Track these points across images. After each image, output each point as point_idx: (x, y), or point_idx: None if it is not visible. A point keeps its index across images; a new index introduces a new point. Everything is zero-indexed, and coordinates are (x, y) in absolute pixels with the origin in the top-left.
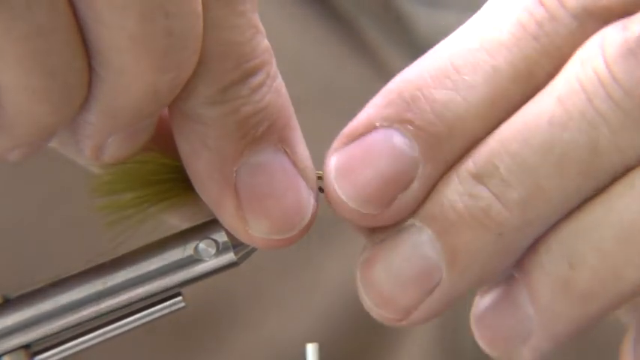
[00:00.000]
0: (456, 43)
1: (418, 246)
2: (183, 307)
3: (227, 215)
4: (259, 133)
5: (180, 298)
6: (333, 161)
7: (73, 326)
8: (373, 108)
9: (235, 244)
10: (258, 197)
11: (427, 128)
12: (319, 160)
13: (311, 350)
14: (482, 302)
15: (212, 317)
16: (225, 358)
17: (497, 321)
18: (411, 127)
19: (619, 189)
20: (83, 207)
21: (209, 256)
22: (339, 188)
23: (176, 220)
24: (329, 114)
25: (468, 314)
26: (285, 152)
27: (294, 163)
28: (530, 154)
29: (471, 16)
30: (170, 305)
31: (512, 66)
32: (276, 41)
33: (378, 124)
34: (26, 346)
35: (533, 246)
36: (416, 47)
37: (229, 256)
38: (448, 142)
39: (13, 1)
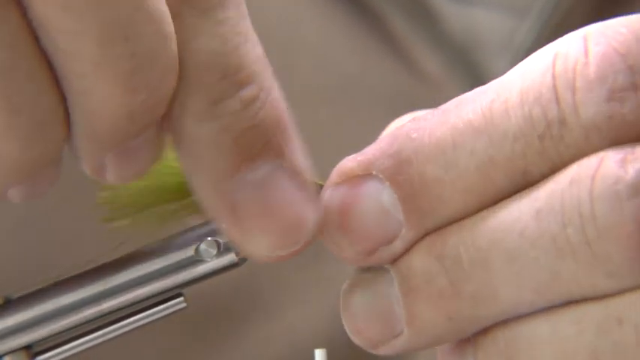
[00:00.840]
0: (465, 112)
1: (387, 294)
2: (184, 308)
3: (229, 232)
4: (256, 149)
5: (181, 298)
6: (326, 196)
7: (74, 327)
8: (378, 151)
9: None
10: (257, 214)
11: (412, 199)
12: (342, 152)
13: (319, 356)
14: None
15: (229, 307)
16: (242, 349)
17: None
18: (399, 191)
19: (569, 315)
20: (85, 207)
21: (210, 256)
22: (327, 225)
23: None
24: (353, 106)
25: None
26: (283, 167)
27: (293, 177)
28: (494, 256)
29: (498, 13)
30: (171, 306)
31: (509, 162)
32: (301, 32)
33: (374, 172)
34: (27, 347)
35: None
36: (443, 43)
37: (230, 257)
38: (430, 217)
39: None
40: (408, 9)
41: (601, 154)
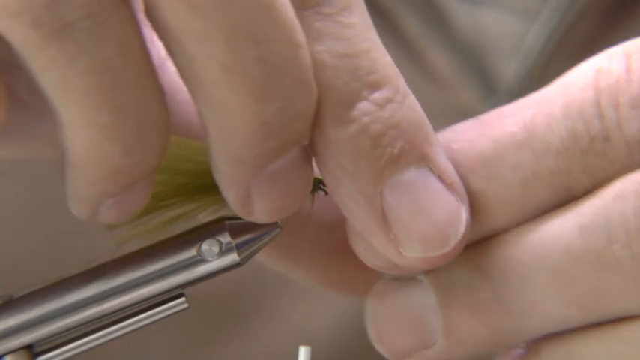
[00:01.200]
0: (507, 124)
1: (421, 304)
2: (186, 308)
3: (377, 238)
4: (397, 151)
5: (183, 299)
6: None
7: (75, 327)
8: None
9: (238, 243)
10: (406, 217)
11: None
12: None
13: (303, 353)
14: None
15: (237, 301)
16: (245, 349)
17: None
18: None
19: (619, 332)
20: None
21: (212, 256)
22: (370, 229)
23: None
24: None
25: None
26: (430, 169)
27: (441, 179)
28: (538, 272)
29: (509, 16)
30: (173, 306)
31: (553, 176)
32: None
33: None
34: (29, 346)
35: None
36: (453, 45)
37: (232, 257)
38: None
39: (79, 33)
40: (420, 10)
41: None
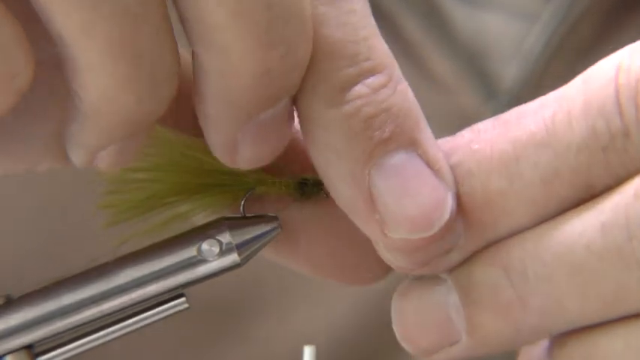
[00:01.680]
0: (527, 124)
1: (445, 303)
2: (186, 309)
3: (362, 218)
4: (387, 134)
5: (183, 299)
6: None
7: (75, 327)
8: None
9: (239, 243)
10: (393, 199)
11: (474, 212)
12: None
13: (307, 353)
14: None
15: (237, 305)
16: (245, 350)
17: None
18: (461, 204)
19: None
20: (86, 207)
21: (212, 255)
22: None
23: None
24: None
25: None
26: (418, 155)
27: (428, 164)
28: (559, 270)
29: (509, 18)
30: (173, 306)
31: (574, 174)
32: None
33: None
34: (29, 347)
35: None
36: (454, 48)
37: (233, 257)
38: (492, 229)
39: None
40: (421, 14)
41: None
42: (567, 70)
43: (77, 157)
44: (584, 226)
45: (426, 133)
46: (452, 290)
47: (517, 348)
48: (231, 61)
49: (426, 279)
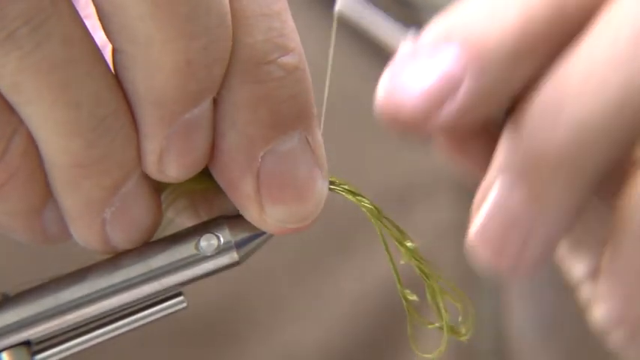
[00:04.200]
0: None
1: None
2: (184, 308)
3: (243, 199)
4: (289, 120)
5: (181, 298)
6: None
7: (73, 324)
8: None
9: (237, 241)
10: (278, 185)
11: (471, 42)
12: (341, 171)
13: None
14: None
15: (227, 323)
16: None
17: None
18: (458, 43)
19: None
20: None
21: (211, 250)
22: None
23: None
24: (350, 125)
25: (482, 319)
26: (307, 140)
27: (313, 151)
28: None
29: None
30: (172, 305)
31: None
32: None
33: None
34: (26, 343)
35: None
36: None
37: (231, 255)
38: (492, 59)
39: (21, 40)
40: (407, 27)
41: None
42: None
43: (85, 240)
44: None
45: (315, 118)
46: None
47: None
48: (152, 53)
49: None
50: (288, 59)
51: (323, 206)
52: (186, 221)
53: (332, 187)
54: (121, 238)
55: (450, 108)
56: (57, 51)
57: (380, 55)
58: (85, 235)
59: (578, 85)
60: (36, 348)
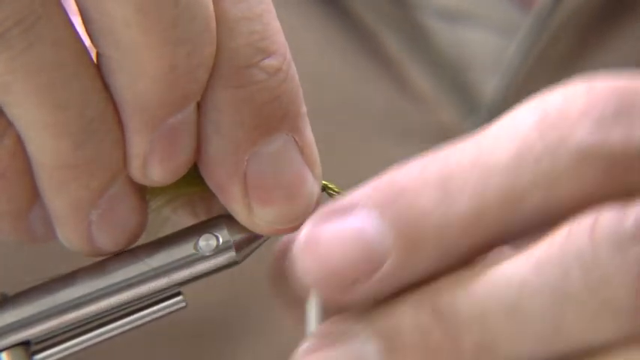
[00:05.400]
0: (449, 158)
1: (363, 355)
2: (183, 307)
3: (232, 202)
4: (274, 122)
5: (180, 297)
6: (304, 231)
7: (71, 324)
8: (359, 193)
9: (236, 241)
10: (266, 187)
11: (405, 228)
12: (336, 176)
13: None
14: None
15: (224, 324)
16: None
17: None
18: (390, 220)
19: None
20: None
21: (210, 250)
22: (302, 259)
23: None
24: (345, 125)
25: None
26: (295, 141)
27: (302, 151)
28: (495, 311)
29: (487, 33)
30: (171, 305)
31: (501, 191)
32: (296, 53)
33: (361, 204)
34: (25, 343)
35: None
36: (434, 63)
37: (230, 254)
38: (420, 251)
39: (12, 40)
40: (399, 29)
41: (596, 210)
42: (547, 83)
43: (69, 241)
44: (518, 267)
45: (304, 117)
46: (370, 339)
47: None
48: (137, 59)
49: (335, 332)
50: (270, 61)
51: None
52: (184, 221)
53: (330, 192)
54: (106, 240)
55: (370, 284)
56: (47, 52)
57: (379, 54)
58: (71, 236)
59: None
60: (35, 348)
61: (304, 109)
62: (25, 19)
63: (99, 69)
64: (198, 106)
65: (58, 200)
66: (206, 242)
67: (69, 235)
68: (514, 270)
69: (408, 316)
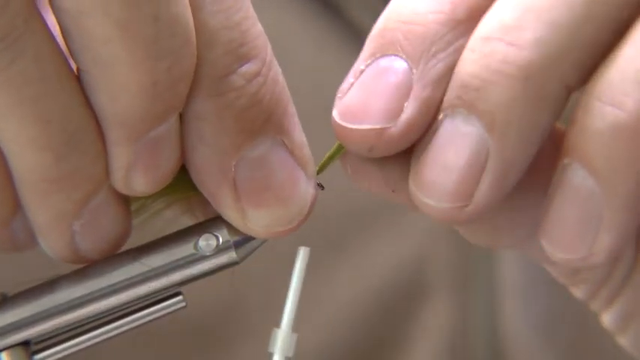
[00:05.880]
0: None
1: (454, 130)
2: (183, 307)
3: (225, 209)
4: (257, 126)
5: (180, 297)
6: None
7: (71, 324)
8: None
9: (236, 241)
10: (257, 190)
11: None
12: (333, 172)
13: (302, 255)
14: (543, 211)
15: (222, 326)
16: None
17: (564, 221)
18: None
19: None
20: None
21: (210, 250)
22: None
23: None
24: None
25: (477, 319)
26: (283, 142)
27: (292, 152)
28: None
29: None
30: (171, 305)
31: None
32: (293, 54)
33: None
34: (25, 343)
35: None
36: None
37: (230, 254)
38: None
39: None
40: (372, 4)
41: None
42: None
43: (52, 248)
44: None
45: (293, 118)
46: (453, 111)
47: (543, 127)
48: (118, 74)
49: (426, 139)
50: (248, 67)
51: (315, 210)
52: (184, 221)
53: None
54: (90, 249)
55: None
56: (29, 67)
57: None
58: (54, 246)
59: None
60: (35, 348)
61: (292, 109)
62: (8, 35)
63: (80, 83)
64: (181, 116)
65: (41, 212)
66: (206, 242)
67: (52, 245)
68: None
69: (467, 63)
